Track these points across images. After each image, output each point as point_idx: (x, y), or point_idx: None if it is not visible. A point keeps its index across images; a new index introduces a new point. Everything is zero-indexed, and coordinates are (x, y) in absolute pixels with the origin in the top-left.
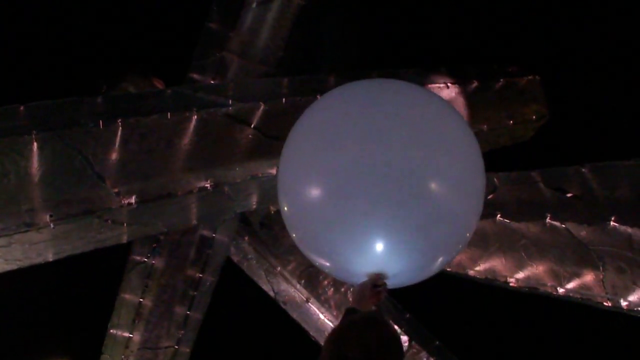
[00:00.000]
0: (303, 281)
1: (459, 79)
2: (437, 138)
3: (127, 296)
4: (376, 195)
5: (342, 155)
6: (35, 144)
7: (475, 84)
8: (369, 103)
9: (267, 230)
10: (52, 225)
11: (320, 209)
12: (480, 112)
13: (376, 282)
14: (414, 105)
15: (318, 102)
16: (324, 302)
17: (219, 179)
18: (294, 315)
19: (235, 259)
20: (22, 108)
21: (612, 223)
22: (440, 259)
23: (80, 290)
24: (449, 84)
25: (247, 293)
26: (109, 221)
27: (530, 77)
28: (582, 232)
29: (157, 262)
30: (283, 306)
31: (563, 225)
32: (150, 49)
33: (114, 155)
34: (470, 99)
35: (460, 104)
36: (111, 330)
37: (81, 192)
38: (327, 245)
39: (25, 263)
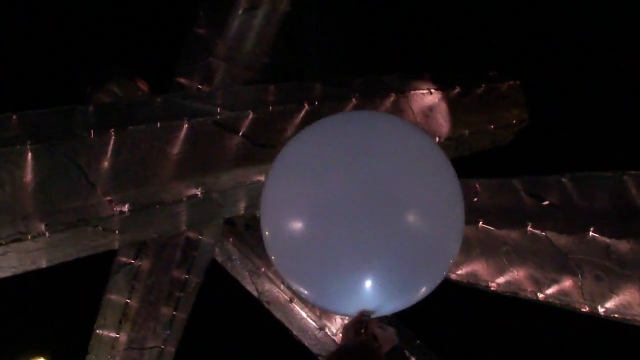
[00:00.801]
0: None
1: (442, 85)
2: (416, 170)
3: (113, 297)
4: (356, 231)
5: (322, 188)
6: (30, 154)
7: (457, 89)
8: (348, 137)
9: (253, 231)
10: (47, 234)
11: (301, 244)
12: (462, 117)
13: (359, 320)
14: (392, 138)
15: (300, 135)
16: (307, 303)
17: (209, 187)
18: (278, 315)
19: (219, 259)
20: (14, 117)
21: (591, 233)
22: (424, 289)
23: (65, 292)
24: (432, 90)
25: (230, 293)
26: (102, 229)
27: (510, 82)
28: (562, 240)
29: (144, 264)
30: (267, 306)
31: (543, 234)
32: (136, 51)
33: (107, 165)
34: (453, 104)
35: (443, 110)
36: (97, 331)
37: (76, 202)
38: (310, 285)
39: (19, 270)
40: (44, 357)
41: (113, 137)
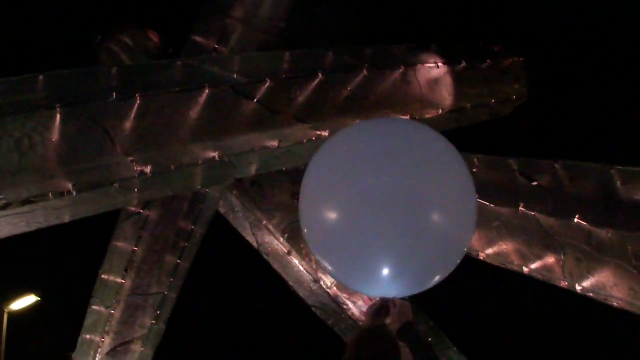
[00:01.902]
0: (287, 235)
1: (448, 59)
2: (436, 172)
3: (120, 244)
4: (384, 225)
5: (356, 186)
6: (59, 117)
7: (463, 64)
8: (380, 142)
9: (258, 188)
10: (74, 194)
11: (335, 231)
12: (466, 91)
13: (380, 306)
14: (418, 145)
15: (337, 136)
16: (305, 256)
17: (225, 150)
18: (276, 266)
19: (222, 210)
20: (41, 78)
21: (576, 220)
22: (439, 277)
23: (70, 238)
24: (439, 64)
25: (231, 243)
26: (124, 188)
27: (514, 59)
28: (550, 222)
29: (152, 214)
30: (266, 257)
31: (533, 214)
32: (149, 3)
33: (132, 128)
34: (458, 78)
35: (448, 83)
36: (103, 276)
37: (101, 163)
38: (339, 267)
39: (44, 225)
40: (35, 294)
41: (138, 102)
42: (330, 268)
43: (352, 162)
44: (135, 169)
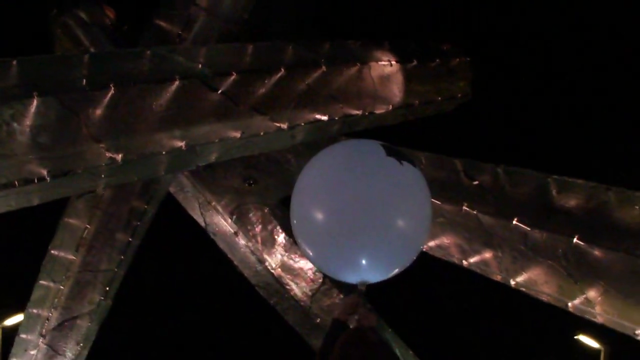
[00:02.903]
0: (234, 217)
1: (400, 57)
2: (400, 185)
3: (72, 221)
4: (359, 225)
5: (339, 194)
6: (36, 105)
7: (414, 62)
8: (354, 162)
9: (209, 170)
10: (48, 180)
11: (320, 229)
12: (415, 88)
13: (354, 301)
14: (386, 162)
15: (323, 153)
16: (251, 238)
17: (191, 140)
18: (222, 246)
19: (171, 190)
20: (14, 63)
21: (514, 222)
22: (399, 267)
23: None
24: (392, 62)
25: (178, 222)
26: (94, 175)
27: (461, 58)
28: (490, 222)
29: (106, 193)
30: (212, 237)
31: (475, 213)
32: None
33: (104, 117)
34: (408, 76)
35: (399, 81)
36: (52, 251)
37: (75, 150)
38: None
39: (14, 208)
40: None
41: (112, 92)
42: (312, 255)
43: (336, 176)
44: (107, 155)
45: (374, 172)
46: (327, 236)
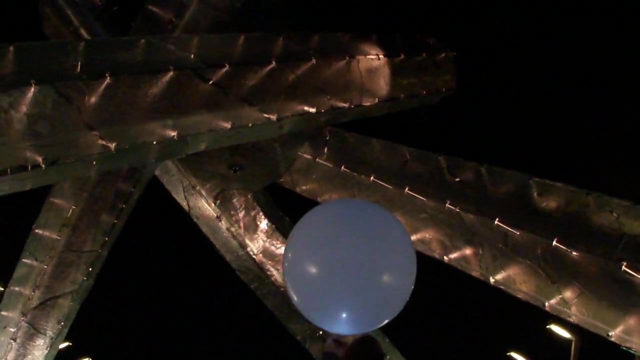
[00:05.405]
0: (218, 202)
1: (388, 51)
2: (385, 244)
3: (57, 201)
4: (346, 282)
5: (328, 254)
6: (33, 93)
7: (401, 56)
8: (343, 221)
9: (196, 156)
10: (43, 167)
11: (310, 283)
12: (400, 82)
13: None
14: (372, 223)
15: (313, 212)
16: (234, 222)
17: (183, 130)
18: (204, 230)
19: (156, 172)
20: (11, 49)
21: (496, 222)
22: (385, 321)
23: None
24: (380, 56)
25: (161, 204)
26: (87, 162)
27: (447, 53)
28: (472, 221)
29: (93, 174)
30: (195, 220)
31: (457, 211)
32: None
33: (100, 106)
34: (395, 70)
35: (386, 75)
36: (37, 230)
37: (70, 138)
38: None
39: (6, 193)
40: None
41: (107, 81)
42: (302, 306)
43: (326, 236)
44: (100, 143)
45: (358, 231)
46: (315, 291)
